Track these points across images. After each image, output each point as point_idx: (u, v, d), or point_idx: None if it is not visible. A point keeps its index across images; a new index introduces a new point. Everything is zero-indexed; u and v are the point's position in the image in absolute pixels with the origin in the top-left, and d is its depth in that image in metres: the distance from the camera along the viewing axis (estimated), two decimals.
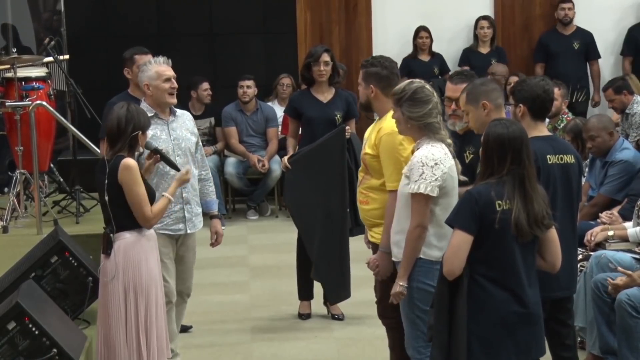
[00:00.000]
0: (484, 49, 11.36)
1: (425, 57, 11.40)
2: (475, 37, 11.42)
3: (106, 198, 5.17)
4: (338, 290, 7.11)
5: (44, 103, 7.87)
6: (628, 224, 6.51)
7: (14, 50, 9.76)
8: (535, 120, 5.21)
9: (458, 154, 5.32)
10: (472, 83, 5.51)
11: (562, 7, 11.25)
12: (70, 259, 5.91)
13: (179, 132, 5.94)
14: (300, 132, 7.48)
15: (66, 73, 8.49)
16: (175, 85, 5.92)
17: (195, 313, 7.05)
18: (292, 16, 11.47)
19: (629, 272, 5.74)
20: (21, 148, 7.83)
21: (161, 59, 5.94)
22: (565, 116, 8.95)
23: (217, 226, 6.21)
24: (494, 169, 4.53)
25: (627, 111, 9.40)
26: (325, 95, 7.35)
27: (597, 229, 6.54)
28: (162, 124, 5.90)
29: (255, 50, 11.65)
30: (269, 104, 10.97)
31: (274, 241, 9.53)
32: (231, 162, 10.67)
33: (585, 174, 7.36)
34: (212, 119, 10.77)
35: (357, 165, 6.39)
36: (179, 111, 6.04)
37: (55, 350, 5.11)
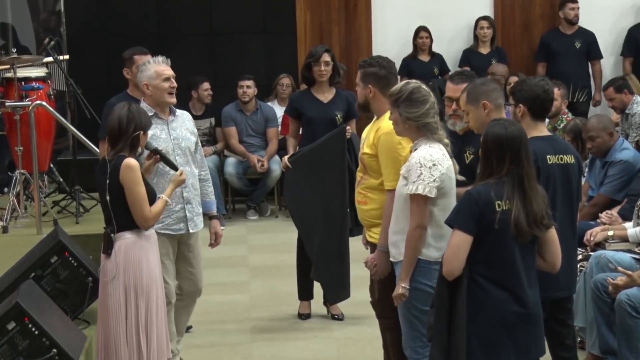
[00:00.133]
0: (484, 50, 11.36)
1: (425, 58, 11.40)
2: (475, 37, 11.42)
3: (107, 198, 5.17)
4: (338, 290, 7.10)
5: (44, 103, 7.87)
6: (628, 224, 6.51)
7: (14, 50, 9.76)
8: (535, 120, 5.21)
9: (458, 155, 5.32)
10: (473, 83, 5.52)
11: (572, 7, 11.22)
12: (70, 259, 5.91)
13: (178, 132, 5.94)
14: (300, 132, 7.48)
15: (66, 73, 8.48)
16: (175, 84, 5.92)
17: (195, 313, 7.02)
18: (292, 16, 11.47)
19: (629, 272, 5.74)
20: (21, 148, 7.82)
21: (160, 58, 5.94)
22: (565, 116, 8.95)
23: (217, 227, 6.22)
24: (493, 169, 4.53)
25: (627, 111, 9.40)
26: (326, 95, 7.35)
27: (597, 229, 6.54)
28: (162, 123, 5.90)
29: (255, 50, 11.65)
30: (269, 104, 10.97)
31: (274, 241, 9.54)
32: (231, 162, 10.67)
33: (585, 174, 7.36)
34: (213, 119, 10.77)
35: (358, 165, 6.39)
36: (178, 111, 6.04)
37: (55, 350, 5.10)
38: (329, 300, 7.25)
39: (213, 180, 6.39)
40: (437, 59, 11.43)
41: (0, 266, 6.29)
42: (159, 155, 5.61)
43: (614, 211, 6.83)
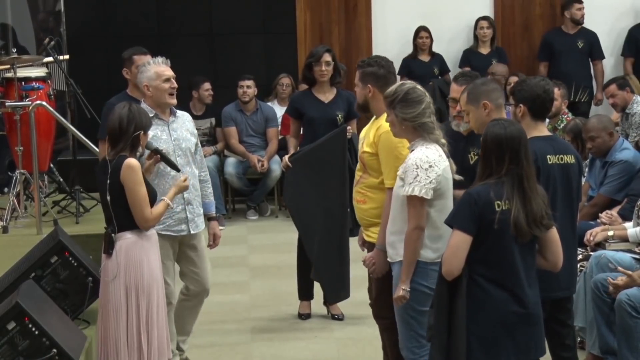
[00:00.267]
0: (484, 50, 11.36)
1: (425, 58, 11.40)
2: (475, 37, 11.43)
3: (108, 198, 5.17)
4: (337, 290, 7.11)
5: (44, 103, 7.86)
6: (628, 224, 6.51)
7: (14, 50, 9.76)
8: (535, 120, 5.21)
9: (462, 155, 5.33)
10: (473, 83, 5.52)
11: (578, 7, 11.21)
12: (70, 259, 5.91)
13: (179, 133, 5.94)
14: (301, 132, 7.48)
15: (66, 73, 8.48)
16: (175, 85, 5.92)
17: None
18: (292, 16, 11.47)
19: (629, 272, 5.74)
20: (21, 148, 7.82)
21: (160, 59, 5.93)
22: (565, 116, 8.95)
23: (215, 228, 6.22)
24: (492, 169, 4.54)
25: (627, 111, 9.40)
26: (327, 95, 7.36)
27: (597, 229, 6.54)
28: (163, 124, 5.90)
29: (255, 50, 11.65)
30: (269, 104, 10.98)
31: (274, 241, 9.53)
32: (231, 162, 10.67)
33: (585, 174, 7.36)
34: (213, 119, 10.78)
35: None
36: (178, 112, 6.04)
37: (55, 350, 5.10)
38: (328, 300, 7.25)
39: (213, 181, 6.40)
40: (437, 59, 11.43)
41: (0, 266, 6.29)
42: (159, 155, 5.61)
43: (614, 211, 6.83)
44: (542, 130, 5.26)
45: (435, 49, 11.42)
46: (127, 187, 5.15)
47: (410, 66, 11.30)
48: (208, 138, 10.68)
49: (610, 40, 11.55)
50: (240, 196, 11.02)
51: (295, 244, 7.30)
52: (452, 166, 5.06)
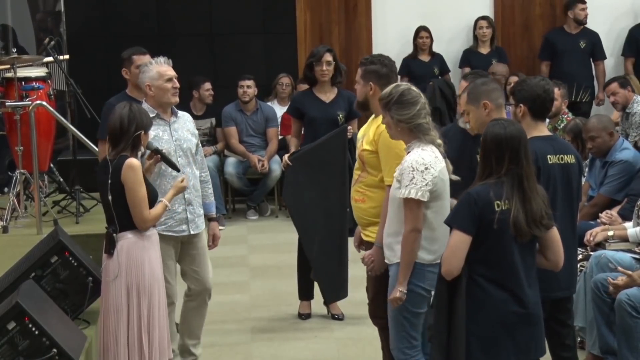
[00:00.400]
0: (484, 50, 11.37)
1: (425, 57, 11.40)
2: (475, 37, 11.43)
3: (109, 198, 5.17)
4: (336, 290, 7.11)
5: (44, 103, 7.86)
6: (628, 224, 6.51)
7: (14, 50, 9.76)
8: (535, 120, 5.21)
9: (470, 154, 5.33)
10: (473, 83, 5.52)
11: (582, 7, 11.21)
12: (70, 259, 5.91)
13: (180, 133, 5.94)
14: (302, 132, 7.48)
15: (66, 73, 8.48)
16: (177, 85, 5.92)
17: None
18: (292, 16, 11.47)
19: (629, 272, 5.74)
20: (21, 148, 7.82)
21: (162, 59, 5.93)
22: (565, 116, 8.95)
23: (215, 229, 6.22)
24: (492, 169, 4.54)
25: (627, 110, 9.40)
26: (328, 95, 7.36)
27: (597, 229, 6.53)
28: (164, 124, 5.90)
29: (255, 50, 11.65)
30: (269, 104, 10.98)
31: (274, 241, 9.53)
32: (231, 162, 10.67)
33: (585, 174, 7.36)
34: (213, 119, 10.78)
35: None
36: (179, 112, 6.04)
37: (55, 350, 5.10)
38: (326, 300, 7.25)
39: (213, 181, 6.40)
40: (437, 59, 11.43)
41: (0, 266, 6.29)
42: (159, 156, 5.61)
43: (614, 211, 6.83)
44: (543, 130, 5.26)
45: (435, 49, 11.42)
46: (127, 187, 5.15)
47: (411, 66, 11.31)
48: (208, 138, 10.68)
49: (610, 40, 11.55)
50: (240, 196, 11.02)
51: (295, 244, 7.30)
52: (448, 167, 5.06)
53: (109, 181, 5.15)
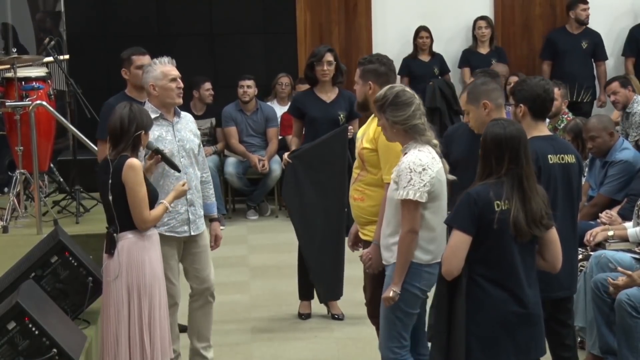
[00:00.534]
0: (484, 50, 11.37)
1: (425, 58, 11.40)
2: (474, 37, 11.43)
3: (110, 198, 5.17)
4: (331, 289, 7.11)
5: (44, 103, 7.86)
6: (628, 224, 6.51)
7: (14, 50, 9.76)
8: (535, 120, 5.22)
9: (477, 154, 5.33)
10: (473, 82, 5.54)
11: (583, 7, 11.21)
12: (70, 259, 5.90)
13: (183, 134, 5.93)
14: (303, 132, 7.48)
15: (66, 73, 8.48)
16: (182, 85, 5.92)
17: None
18: (292, 16, 11.47)
19: (629, 272, 5.74)
20: (21, 148, 7.82)
21: (166, 59, 5.92)
22: (566, 116, 8.94)
23: (217, 229, 6.21)
24: (492, 169, 4.54)
25: (627, 110, 9.40)
26: (329, 95, 7.36)
27: (597, 229, 6.53)
28: (167, 125, 5.89)
29: (255, 50, 11.65)
30: (269, 104, 10.98)
31: (274, 241, 9.53)
32: (231, 162, 10.67)
33: (585, 174, 7.36)
34: (213, 120, 10.78)
35: None
36: (182, 112, 6.04)
37: (55, 350, 5.10)
38: (321, 299, 7.25)
39: (213, 181, 6.39)
40: (437, 59, 11.43)
41: (0, 266, 6.28)
42: (160, 156, 5.61)
43: (614, 211, 6.83)
44: (543, 130, 5.26)
45: (435, 49, 11.42)
46: (127, 187, 5.16)
47: (411, 66, 11.31)
48: (208, 138, 10.68)
49: (610, 40, 11.55)
50: (240, 196, 11.02)
51: (295, 244, 7.30)
52: (445, 167, 5.07)
53: (110, 181, 5.15)
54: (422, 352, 5.29)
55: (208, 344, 6.17)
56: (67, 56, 9.39)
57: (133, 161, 5.17)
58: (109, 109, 6.26)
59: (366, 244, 5.52)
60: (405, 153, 5.02)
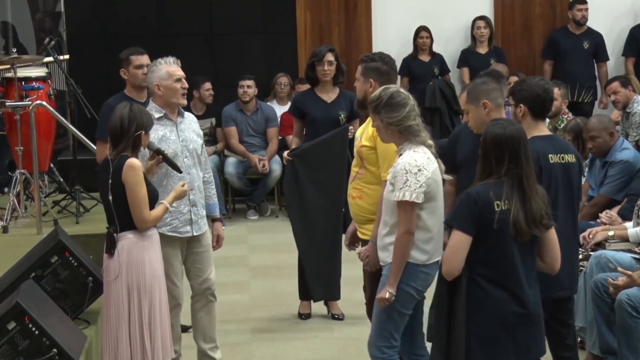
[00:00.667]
0: (482, 49, 11.37)
1: (425, 58, 11.40)
2: (473, 37, 11.43)
3: (110, 198, 5.17)
4: (325, 287, 7.11)
5: (44, 103, 7.86)
6: (628, 224, 6.50)
7: (14, 50, 9.76)
8: (535, 120, 5.22)
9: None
10: (473, 82, 5.55)
11: (579, 8, 11.22)
12: (70, 259, 5.90)
13: (187, 134, 5.93)
14: (304, 132, 7.49)
15: (66, 73, 8.48)
16: (186, 85, 5.92)
17: None
18: (292, 16, 11.47)
19: (629, 272, 5.74)
20: (21, 148, 7.82)
21: (171, 59, 5.92)
22: (566, 116, 8.94)
23: (219, 229, 6.21)
24: (492, 169, 4.54)
25: (627, 110, 9.40)
26: (330, 95, 7.36)
27: (595, 229, 6.52)
28: (172, 125, 5.89)
29: (255, 50, 11.65)
30: (268, 104, 10.98)
31: (274, 241, 9.53)
32: (231, 162, 10.67)
33: (585, 174, 7.36)
34: (213, 120, 10.78)
35: None
36: (185, 113, 6.04)
37: (55, 350, 5.09)
38: (314, 297, 7.24)
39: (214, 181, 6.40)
40: (437, 59, 11.43)
41: (0, 266, 6.28)
42: (161, 156, 5.61)
43: (614, 211, 6.82)
44: (543, 129, 5.26)
45: (435, 48, 11.42)
46: (127, 187, 5.16)
47: (411, 66, 11.31)
48: (208, 138, 10.67)
49: (611, 40, 11.54)
50: (240, 196, 11.02)
51: (295, 244, 7.30)
52: (440, 167, 5.07)
53: (110, 181, 5.15)
54: (419, 353, 5.29)
55: (215, 345, 6.17)
56: (67, 56, 9.39)
57: (133, 161, 5.17)
58: (108, 109, 6.26)
59: (364, 243, 5.52)
60: (400, 154, 5.02)
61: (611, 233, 6.43)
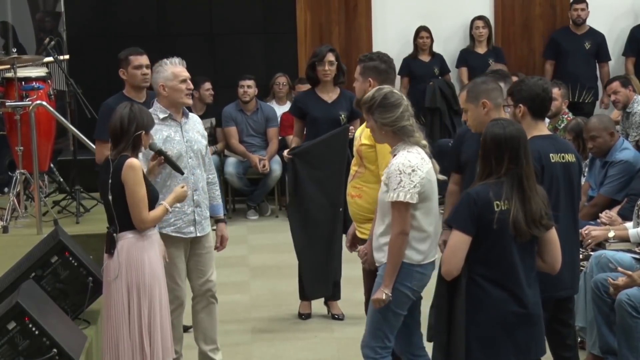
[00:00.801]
0: (481, 49, 11.37)
1: (425, 58, 11.40)
2: (472, 37, 11.43)
3: (110, 198, 5.17)
4: (318, 285, 7.10)
5: (44, 103, 7.86)
6: (628, 224, 6.50)
7: (14, 50, 9.76)
8: (535, 120, 5.22)
9: None
10: (473, 81, 5.55)
11: (575, 7, 11.24)
12: (70, 259, 5.90)
13: (191, 135, 5.93)
14: (304, 132, 7.49)
15: (66, 73, 8.48)
16: (191, 86, 5.93)
17: None
18: (292, 16, 11.47)
19: (629, 272, 5.74)
20: (21, 148, 7.82)
21: (177, 59, 5.92)
22: (566, 116, 8.94)
23: (223, 230, 6.21)
24: (492, 169, 4.54)
25: (627, 110, 9.40)
26: (330, 95, 7.37)
27: (591, 228, 6.52)
28: (176, 125, 5.89)
29: (255, 50, 11.65)
30: (268, 104, 10.98)
31: (274, 241, 9.53)
32: (231, 162, 10.68)
33: (585, 174, 7.36)
34: (213, 119, 10.79)
35: None
36: (190, 114, 6.04)
37: (55, 350, 5.09)
38: (308, 295, 7.24)
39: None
40: (437, 59, 11.43)
41: (0, 266, 6.28)
42: (163, 157, 5.60)
43: (614, 211, 6.82)
44: (543, 129, 5.26)
45: (435, 49, 11.42)
46: (126, 186, 5.16)
47: (411, 66, 11.31)
48: (208, 138, 10.67)
49: (611, 40, 11.54)
50: (240, 196, 11.02)
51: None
52: (435, 167, 5.07)
53: (110, 181, 5.15)
54: (417, 353, 5.28)
55: (215, 346, 6.17)
56: (67, 56, 9.39)
57: (133, 161, 5.17)
58: (107, 109, 6.27)
59: (363, 242, 5.52)
60: (394, 155, 5.02)
61: (611, 234, 6.43)
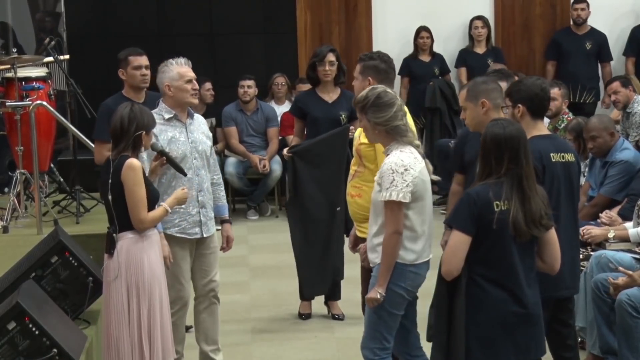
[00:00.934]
0: (480, 49, 11.37)
1: (425, 58, 11.40)
2: (471, 37, 11.43)
3: (110, 198, 5.17)
4: (315, 284, 7.11)
5: (44, 103, 7.86)
6: (628, 224, 6.50)
7: (14, 50, 9.76)
8: (534, 120, 5.22)
9: None
10: (474, 80, 5.55)
11: (575, 7, 11.25)
12: (71, 259, 5.90)
13: (196, 135, 5.93)
14: (304, 132, 7.49)
15: (66, 73, 8.48)
16: (197, 86, 5.94)
17: None
18: (292, 16, 11.47)
19: (629, 272, 5.74)
20: (21, 148, 7.82)
21: (182, 60, 5.94)
22: (566, 116, 8.94)
23: (228, 231, 6.20)
24: (492, 170, 4.54)
25: (627, 110, 9.40)
26: (331, 95, 7.37)
27: (588, 227, 6.52)
28: (181, 126, 5.89)
29: (255, 50, 11.65)
30: (268, 104, 10.99)
31: (274, 241, 9.53)
32: (231, 162, 10.68)
33: (585, 174, 7.36)
34: (213, 120, 10.78)
35: None
36: (195, 114, 6.04)
37: (55, 350, 5.09)
38: (304, 295, 7.24)
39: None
40: (437, 59, 11.43)
41: (0, 266, 6.28)
42: (165, 158, 5.60)
43: (614, 211, 6.82)
44: (542, 129, 5.26)
45: (435, 49, 11.43)
46: (126, 186, 5.15)
47: (411, 66, 11.31)
48: None
49: (611, 40, 11.54)
50: (240, 196, 11.03)
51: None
52: (428, 167, 5.07)
53: (110, 181, 5.16)
54: (414, 354, 5.28)
55: (217, 347, 6.17)
56: (67, 56, 9.40)
57: (133, 161, 5.17)
58: (106, 109, 6.27)
59: (363, 241, 5.52)
60: (387, 154, 5.01)
61: (611, 234, 6.43)
